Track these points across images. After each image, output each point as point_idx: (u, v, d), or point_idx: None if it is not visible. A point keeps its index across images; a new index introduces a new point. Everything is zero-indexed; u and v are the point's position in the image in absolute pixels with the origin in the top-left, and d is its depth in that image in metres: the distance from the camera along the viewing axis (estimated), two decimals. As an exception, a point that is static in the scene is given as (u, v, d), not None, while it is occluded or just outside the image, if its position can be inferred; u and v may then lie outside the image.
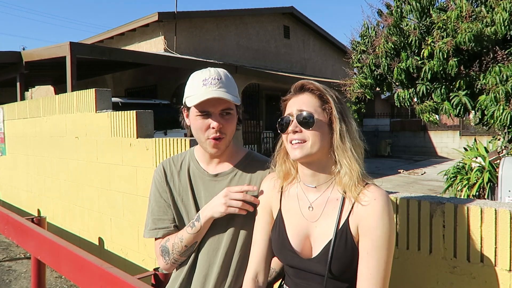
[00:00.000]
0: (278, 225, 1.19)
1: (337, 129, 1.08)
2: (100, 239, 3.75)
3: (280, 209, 1.21)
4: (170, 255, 1.34)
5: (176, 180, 1.41)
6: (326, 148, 1.10)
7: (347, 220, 1.08)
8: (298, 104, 1.11)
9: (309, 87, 1.12)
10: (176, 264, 1.37)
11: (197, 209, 1.37)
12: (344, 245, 1.06)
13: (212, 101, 1.26)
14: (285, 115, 1.14)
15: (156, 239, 1.40)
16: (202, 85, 1.28)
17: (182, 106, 1.38)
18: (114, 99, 7.01)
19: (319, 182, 1.14)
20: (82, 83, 9.79)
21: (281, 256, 1.19)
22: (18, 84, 8.17)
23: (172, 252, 1.33)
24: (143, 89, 11.56)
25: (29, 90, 14.17)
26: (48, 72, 9.97)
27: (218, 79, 1.28)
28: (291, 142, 1.10)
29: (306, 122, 1.08)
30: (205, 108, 1.27)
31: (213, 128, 1.28)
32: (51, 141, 4.54)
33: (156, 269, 2.32)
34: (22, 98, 8.07)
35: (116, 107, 6.38)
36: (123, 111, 3.27)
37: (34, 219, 3.40)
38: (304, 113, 1.09)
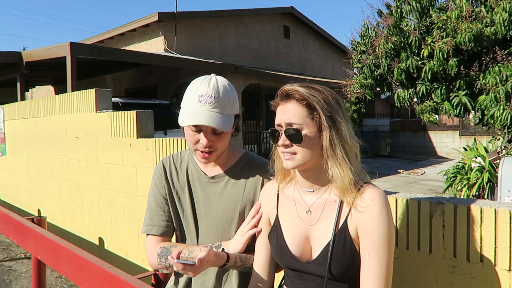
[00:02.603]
0: (276, 231, 1.20)
1: (326, 138, 1.05)
2: (100, 239, 3.76)
3: (277, 215, 1.22)
4: (168, 260, 1.32)
5: (175, 178, 1.41)
6: (319, 156, 1.09)
7: (345, 221, 1.08)
8: (286, 116, 1.08)
9: (295, 96, 1.07)
10: (165, 269, 1.36)
11: (193, 209, 1.38)
12: (343, 246, 1.06)
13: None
14: (275, 124, 1.12)
15: (148, 234, 1.39)
16: (197, 101, 1.25)
17: (180, 110, 1.36)
18: (114, 99, 7.02)
19: (315, 186, 1.14)
20: (82, 83, 9.80)
21: (280, 261, 1.19)
22: (18, 84, 8.18)
23: None
24: (143, 89, 11.56)
25: (30, 90, 14.17)
26: (49, 72, 9.97)
27: (214, 98, 1.24)
28: (282, 152, 1.11)
29: (295, 138, 1.06)
30: (196, 124, 1.25)
31: (202, 144, 1.27)
32: (51, 141, 4.54)
33: (156, 269, 2.32)
34: (23, 98, 8.07)
35: (116, 107, 6.39)
36: (123, 111, 3.27)
37: (34, 219, 3.39)
38: (292, 128, 1.06)
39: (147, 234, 1.40)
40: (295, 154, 1.08)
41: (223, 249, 1.31)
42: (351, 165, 1.06)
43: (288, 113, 1.08)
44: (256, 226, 1.29)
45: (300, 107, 1.07)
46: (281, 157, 1.13)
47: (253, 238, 1.31)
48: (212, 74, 1.32)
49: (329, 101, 1.08)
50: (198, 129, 1.27)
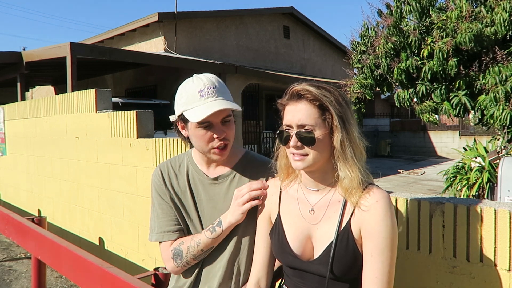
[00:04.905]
0: (277, 229, 1.19)
1: (338, 139, 1.04)
2: (100, 239, 3.76)
3: (278, 213, 1.21)
4: (183, 258, 1.32)
5: (175, 183, 1.40)
6: (328, 156, 1.09)
7: (348, 222, 1.07)
8: (297, 116, 1.06)
9: (307, 97, 1.06)
10: (186, 267, 1.36)
11: (197, 211, 1.38)
12: (345, 246, 1.06)
13: (215, 112, 1.23)
14: (284, 125, 1.10)
15: (160, 242, 1.38)
16: (199, 97, 1.25)
17: (176, 120, 1.34)
18: (114, 99, 7.02)
19: (320, 186, 1.14)
20: (82, 83, 9.80)
21: (281, 259, 1.19)
22: (18, 84, 8.18)
23: (186, 255, 1.32)
24: (143, 89, 11.56)
25: (30, 90, 14.17)
26: (49, 72, 9.97)
27: (213, 88, 1.26)
28: (292, 154, 1.09)
29: (307, 140, 1.05)
30: (207, 119, 1.25)
31: (217, 138, 1.27)
32: (51, 141, 4.54)
33: (156, 269, 2.33)
34: (23, 98, 8.07)
35: (116, 107, 6.39)
36: (123, 111, 3.27)
37: (35, 219, 3.40)
38: (305, 130, 1.05)
39: (160, 242, 1.39)
40: (306, 155, 1.07)
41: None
42: (359, 166, 1.06)
43: (299, 114, 1.06)
44: (255, 198, 1.26)
45: (312, 107, 1.06)
46: (290, 158, 1.11)
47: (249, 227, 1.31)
48: (194, 74, 1.33)
49: (340, 101, 1.07)
50: (208, 125, 1.27)
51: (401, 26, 5.20)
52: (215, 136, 1.27)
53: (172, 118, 1.36)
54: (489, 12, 4.52)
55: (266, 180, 1.35)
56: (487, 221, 1.26)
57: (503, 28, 4.29)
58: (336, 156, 1.07)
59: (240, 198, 1.27)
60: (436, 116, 5.39)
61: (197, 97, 1.25)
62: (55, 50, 7.13)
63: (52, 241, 2.46)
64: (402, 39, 5.12)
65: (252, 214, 1.30)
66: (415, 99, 5.31)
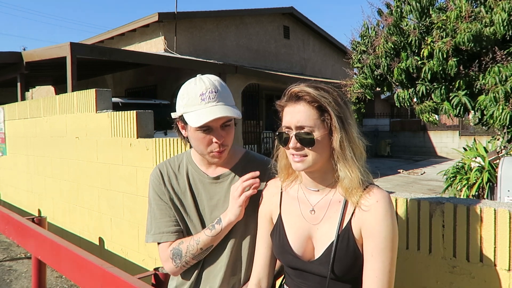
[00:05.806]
0: (278, 230, 1.19)
1: (337, 140, 1.04)
2: (101, 239, 3.76)
3: (280, 214, 1.21)
4: (183, 258, 1.32)
5: (174, 183, 1.40)
6: (328, 156, 1.09)
7: (349, 222, 1.08)
8: (295, 118, 1.06)
9: (306, 98, 1.06)
10: (185, 268, 1.35)
11: (198, 211, 1.38)
12: (346, 247, 1.06)
13: (214, 118, 1.23)
14: (283, 126, 1.10)
15: (159, 243, 1.38)
16: (200, 101, 1.24)
17: (176, 119, 1.34)
18: (114, 99, 7.02)
19: (320, 186, 1.14)
20: (82, 83, 9.80)
21: (282, 259, 1.19)
22: (18, 84, 8.18)
23: (186, 254, 1.32)
24: (143, 89, 11.56)
25: (30, 90, 14.17)
26: (49, 72, 9.97)
27: (215, 92, 1.25)
28: (292, 155, 1.09)
29: (306, 141, 1.05)
30: (207, 124, 1.24)
31: (216, 143, 1.27)
32: (51, 141, 4.54)
33: (156, 269, 2.33)
34: (23, 98, 8.07)
35: (116, 107, 6.39)
36: (123, 111, 3.27)
37: (35, 219, 3.40)
38: (304, 132, 1.05)
39: (158, 243, 1.38)
40: (306, 156, 1.07)
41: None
42: (359, 165, 1.06)
43: (298, 116, 1.06)
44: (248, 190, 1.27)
45: (311, 109, 1.05)
46: (289, 159, 1.11)
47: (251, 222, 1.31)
48: (198, 75, 1.32)
49: (339, 101, 1.07)
50: (207, 129, 1.26)
51: (401, 26, 5.21)
52: (214, 140, 1.27)
53: (173, 115, 1.36)
54: (488, 12, 4.52)
55: (267, 180, 1.35)
56: (487, 221, 1.26)
57: (502, 28, 4.29)
58: (336, 157, 1.07)
59: (235, 192, 1.28)
60: (436, 116, 5.39)
61: (198, 101, 1.24)
62: (55, 50, 7.14)
63: (52, 241, 2.46)
64: (402, 38, 5.12)
65: (252, 213, 1.31)
66: (415, 99, 5.31)
